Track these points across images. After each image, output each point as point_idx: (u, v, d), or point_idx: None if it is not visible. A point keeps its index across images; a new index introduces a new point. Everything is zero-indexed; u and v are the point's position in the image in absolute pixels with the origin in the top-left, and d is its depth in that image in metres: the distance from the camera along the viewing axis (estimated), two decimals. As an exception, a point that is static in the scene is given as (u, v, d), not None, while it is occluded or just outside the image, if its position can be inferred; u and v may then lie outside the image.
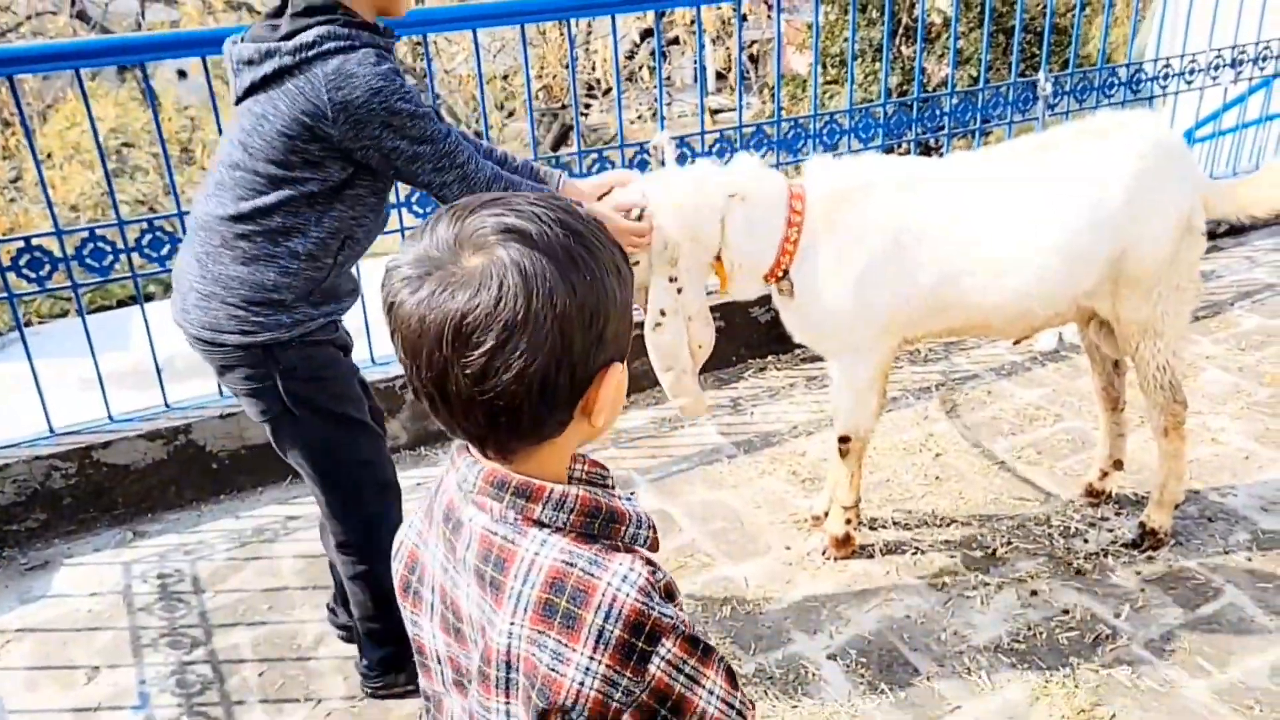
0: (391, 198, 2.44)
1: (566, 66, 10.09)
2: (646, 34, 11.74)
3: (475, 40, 3.11)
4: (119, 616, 2.57)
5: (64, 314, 7.08)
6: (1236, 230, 4.47)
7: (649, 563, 0.88)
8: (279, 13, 1.85)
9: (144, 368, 3.05)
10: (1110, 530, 2.66)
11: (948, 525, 2.72)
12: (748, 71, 14.48)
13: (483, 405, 0.84)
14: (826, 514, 2.68)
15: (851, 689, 2.19)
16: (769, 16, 12.20)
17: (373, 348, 3.23)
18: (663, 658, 0.85)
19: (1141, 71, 4.18)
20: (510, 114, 11.99)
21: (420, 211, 3.11)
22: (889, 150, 3.81)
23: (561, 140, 11.93)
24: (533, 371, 0.82)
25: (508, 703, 0.89)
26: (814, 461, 3.06)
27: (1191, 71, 4.28)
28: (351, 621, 2.28)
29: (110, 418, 2.96)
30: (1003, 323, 2.40)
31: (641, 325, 2.18)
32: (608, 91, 11.69)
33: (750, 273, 2.28)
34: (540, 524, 0.88)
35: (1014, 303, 2.31)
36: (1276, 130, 4.91)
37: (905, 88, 8.86)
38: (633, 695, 0.84)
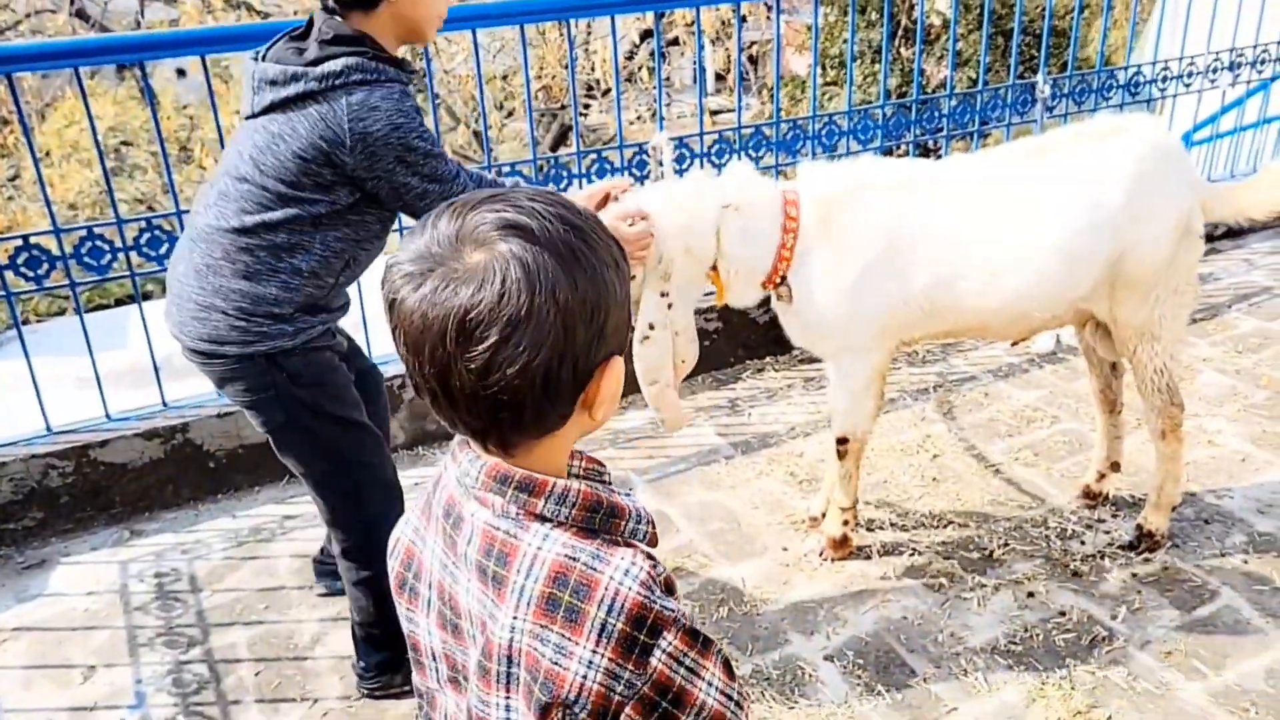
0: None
1: (566, 67, 10.10)
2: (646, 35, 11.74)
3: (475, 40, 3.11)
4: (115, 615, 2.56)
5: (62, 312, 7.08)
6: (1234, 233, 4.48)
7: (649, 557, 0.89)
8: (303, 35, 1.87)
9: (141, 366, 3.05)
10: (1107, 532, 2.66)
11: (945, 527, 2.72)
12: (747, 73, 14.48)
13: (486, 400, 0.84)
14: (824, 515, 2.68)
15: (848, 690, 2.19)
16: (768, 18, 12.21)
17: (370, 346, 3.23)
18: (664, 650, 0.85)
19: (1140, 74, 4.19)
20: (510, 114, 11.99)
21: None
22: (888, 152, 3.81)
23: (561, 140, 11.93)
24: (536, 366, 0.82)
25: (508, 697, 0.89)
26: (811, 462, 3.06)
27: (1189, 74, 4.29)
28: (331, 561, 2.39)
29: (108, 416, 2.96)
30: (999, 325, 2.40)
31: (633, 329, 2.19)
32: (607, 92, 11.69)
33: (747, 281, 2.28)
34: (542, 519, 0.89)
35: (1010, 305, 2.31)
36: (1274, 133, 4.92)
37: (904, 89, 8.87)
38: (635, 688, 0.85)
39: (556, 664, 0.84)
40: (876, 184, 2.28)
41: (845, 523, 2.58)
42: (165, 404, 3.02)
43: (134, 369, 3.26)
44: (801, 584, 2.53)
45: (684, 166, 3.40)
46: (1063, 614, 2.37)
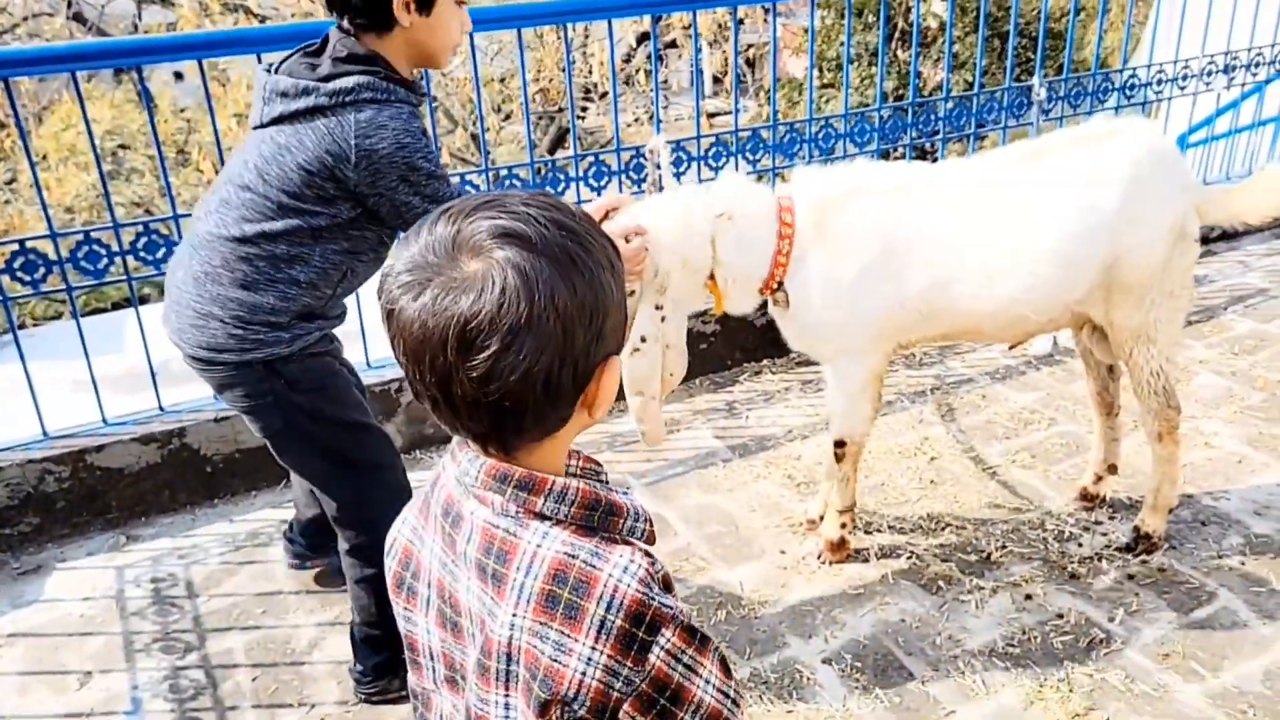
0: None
1: (563, 70, 10.10)
2: (643, 38, 11.75)
3: (472, 44, 3.12)
4: (112, 621, 2.56)
5: (58, 316, 7.07)
6: (1229, 235, 4.49)
7: (647, 554, 0.89)
8: (318, 52, 1.89)
9: (138, 371, 3.04)
10: (1104, 534, 2.66)
11: (942, 529, 2.72)
12: (744, 75, 14.50)
13: (487, 406, 0.85)
14: (821, 518, 2.68)
15: (846, 693, 2.19)
16: (765, 20, 12.23)
17: (368, 351, 3.23)
18: (662, 647, 0.86)
19: (1135, 77, 4.20)
20: (507, 117, 12.00)
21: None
22: (885, 155, 3.82)
23: (558, 143, 11.94)
24: (537, 371, 0.83)
25: (507, 695, 0.89)
26: (809, 465, 3.06)
27: (1185, 77, 4.30)
28: (303, 546, 2.54)
29: (104, 421, 2.95)
30: (996, 328, 2.41)
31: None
32: (604, 95, 11.70)
33: (745, 288, 2.29)
34: (542, 517, 0.89)
35: (1006, 308, 2.31)
36: (1269, 135, 4.93)
37: (901, 92, 8.88)
38: (633, 685, 0.85)
39: (556, 661, 0.85)
40: (871, 188, 2.28)
41: (843, 525, 2.58)
42: (162, 408, 3.01)
43: (130, 373, 3.26)
44: (799, 587, 2.53)
45: (681, 170, 3.40)
46: (1060, 616, 2.37)
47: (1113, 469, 2.76)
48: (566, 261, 0.84)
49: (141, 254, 2.82)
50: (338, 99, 1.80)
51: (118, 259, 2.80)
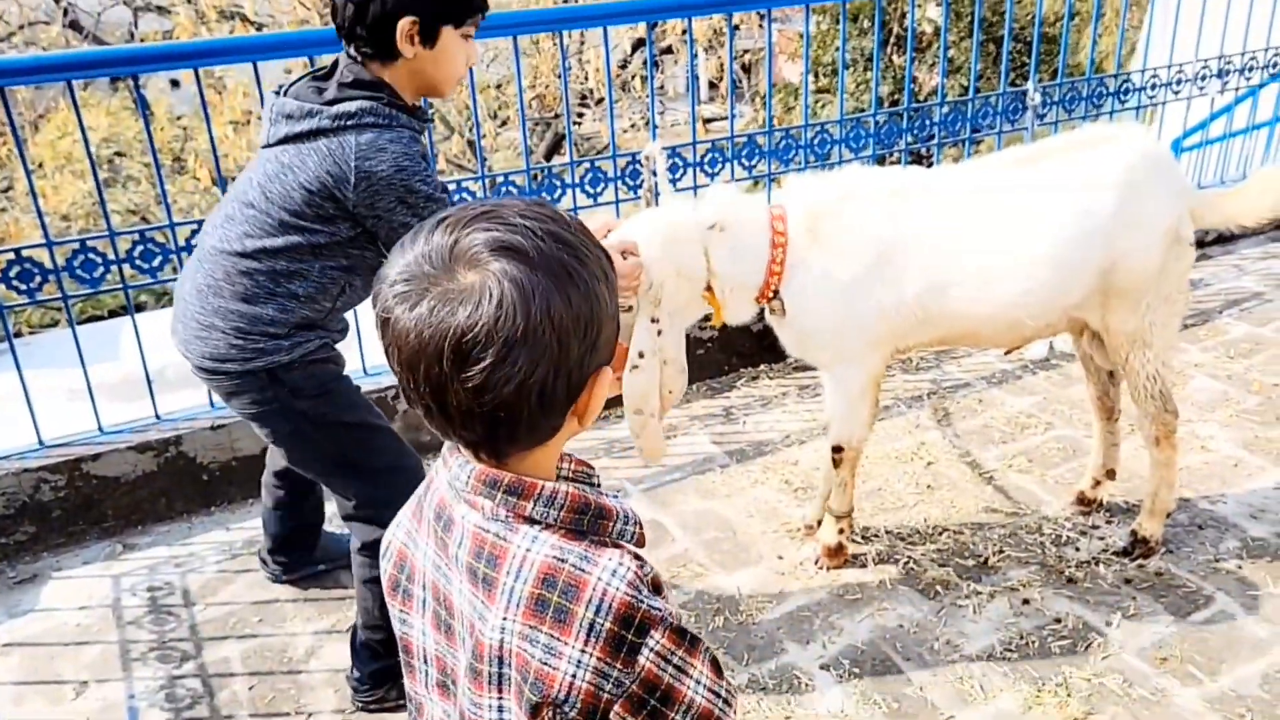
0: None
1: (559, 76, 10.11)
2: (639, 44, 11.78)
3: (467, 51, 3.12)
4: (108, 630, 2.55)
5: (54, 324, 7.06)
6: (1224, 239, 4.50)
7: (636, 557, 0.90)
8: (326, 76, 1.94)
9: (134, 379, 3.04)
10: (1101, 538, 2.66)
11: (940, 534, 2.72)
12: (740, 81, 14.53)
13: (482, 416, 0.86)
14: (819, 523, 2.68)
15: (844, 699, 2.19)
16: (760, 26, 12.25)
17: (364, 358, 3.23)
18: (652, 649, 0.87)
19: (1129, 82, 4.21)
20: (504, 123, 12.02)
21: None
22: (880, 160, 3.82)
23: (555, 149, 11.95)
24: (531, 383, 0.84)
25: (499, 698, 0.90)
26: (806, 471, 3.06)
27: (1179, 81, 4.31)
28: (280, 567, 2.62)
29: (100, 429, 2.95)
30: (993, 333, 2.41)
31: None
32: (600, 101, 11.71)
33: (742, 298, 2.29)
34: (531, 521, 0.90)
35: (1003, 313, 2.31)
36: (1263, 139, 4.94)
37: (896, 97, 8.90)
38: (623, 686, 0.86)
39: (546, 664, 0.86)
40: (865, 193, 2.29)
41: (841, 531, 2.58)
42: (158, 416, 3.01)
43: (127, 381, 3.25)
44: (797, 592, 2.53)
45: (678, 176, 3.41)
46: (1058, 620, 2.37)
47: (1111, 474, 2.77)
48: (563, 275, 0.85)
49: (137, 262, 2.82)
50: (340, 122, 1.84)
51: (114, 267, 2.80)
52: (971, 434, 3.21)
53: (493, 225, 0.86)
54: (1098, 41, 4.79)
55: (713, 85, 16.11)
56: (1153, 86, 4.26)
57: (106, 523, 2.92)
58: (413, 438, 3.24)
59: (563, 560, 0.88)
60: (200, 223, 2.85)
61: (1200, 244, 4.15)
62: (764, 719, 2.15)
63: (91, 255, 2.77)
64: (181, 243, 2.82)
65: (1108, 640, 2.30)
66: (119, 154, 10.04)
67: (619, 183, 3.34)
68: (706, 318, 2.38)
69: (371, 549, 2.13)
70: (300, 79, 1.97)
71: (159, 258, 2.83)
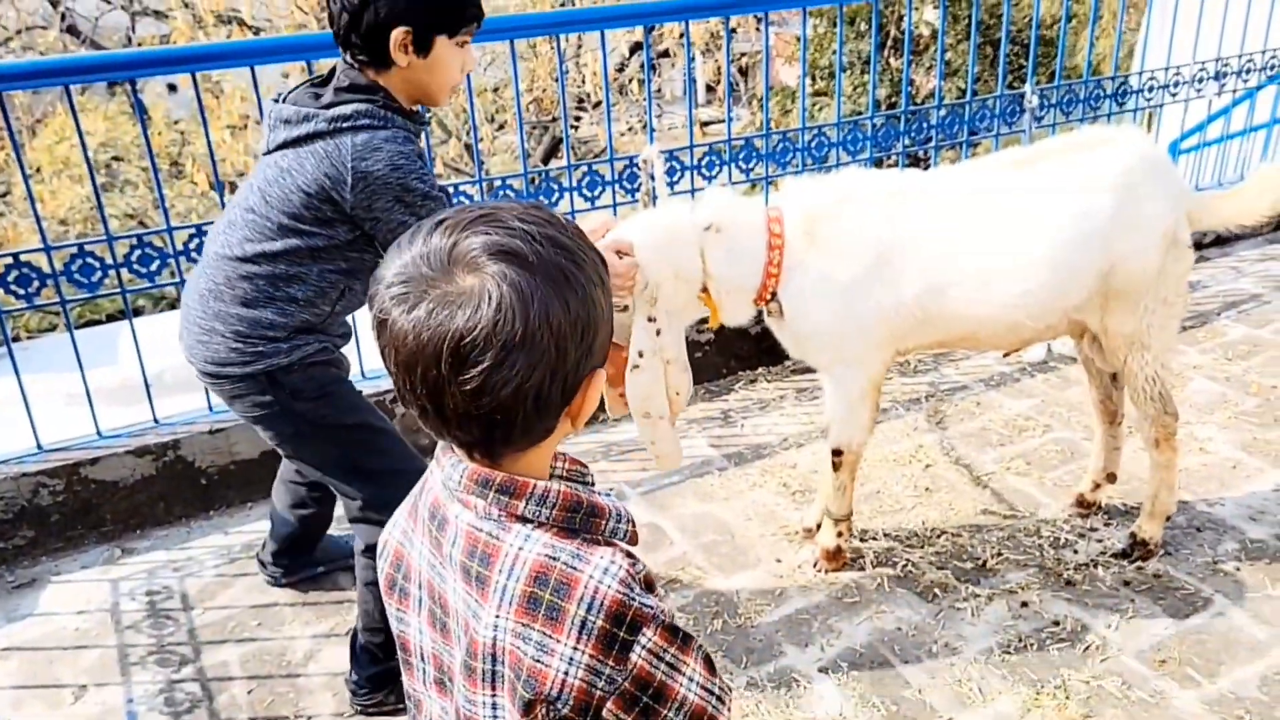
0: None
1: (557, 80, 10.12)
2: (636, 47, 11.79)
3: (465, 55, 3.12)
4: (106, 634, 2.55)
5: (52, 328, 7.06)
6: (1222, 240, 4.51)
7: (628, 555, 0.91)
8: (324, 82, 1.96)
9: (133, 383, 3.04)
10: (1100, 541, 2.66)
11: (938, 537, 2.72)
12: (737, 84, 14.54)
13: (478, 418, 0.86)
14: (818, 526, 2.68)
15: (843, 702, 2.19)
16: (757, 29, 12.27)
17: (363, 362, 3.23)
18: (644, 646, 0.88)
19: (1127, 84, 4.22)
20: (501, 127, 12.03)
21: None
22: (878, 163, 3.83)
23: (552, 153, 11.96)
24: (528, 386, 0.85)
25: (494, 695, 0.91)
26: (804, 474, 3.06)
27: (1176, 84, 4.32)
28: (280, 570, 2.62)
29: (98, 434, 2.95)
30: (993, 334, 2.41)
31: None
32: (598, 104, 11.73)
33: (738, 300, 2.29)
34: (524, 519, 0.91)
35: (1002, 314, 2.32)
36: (1260, 141, 4.95)
37: (893, 100, 8.92)
38: (615, 684, 0.87)
39: (538, 661, 0.87)
40: (863, 195, 2.29)
41: (839, 534, 2.58)
42: (156, 421, 3.01)
43: (125, 385, 3.25)
44: (795, 595, 2.53)
45: (675, 179, 3.41)
46: (1056, 623, 2.37)
47: (1112, 478, 2.76)
48: (561, 279, 0.86)
49: (135, 266, 2.82)
50: (336, 124, 1.86)
51: (111, 271, 2.80)
52: (969, 437, 3.21)
53: (491, 229, 0.86)
54: (1095, 44, 4.81)
55: (710, 88, 16.12)
56: (1150, 89, 4.27)
57: (105, 527, 2.92)
58: (411, 440, 3.24)
59: (555, 558, 0.88)
60: (198, 227, 2.86)
61: (1198, 246, 4.15)
62: (763, 722, 2.15)
63: (89, 260, 2.77)
64: (179, 247, 2.82)
65: (1106, 642, 2.30)
66: (116, 158, 10.03)
67: (616, 186, 3.35)
68: (704, 320, 2.38)
69: (371, 553, 2.14)
70: (298, 86, 1.99)
71: (156, 262, 2.83)
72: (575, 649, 0.86)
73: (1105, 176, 2.27)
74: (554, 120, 11.84)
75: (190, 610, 2.62)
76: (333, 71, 1.97)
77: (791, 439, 3.27)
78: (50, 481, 2.83)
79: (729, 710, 0.95)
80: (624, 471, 3.14)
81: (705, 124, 15.47)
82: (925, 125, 3.86)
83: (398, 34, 1.85)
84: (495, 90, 11.47)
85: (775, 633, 2.41)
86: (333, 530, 2.73)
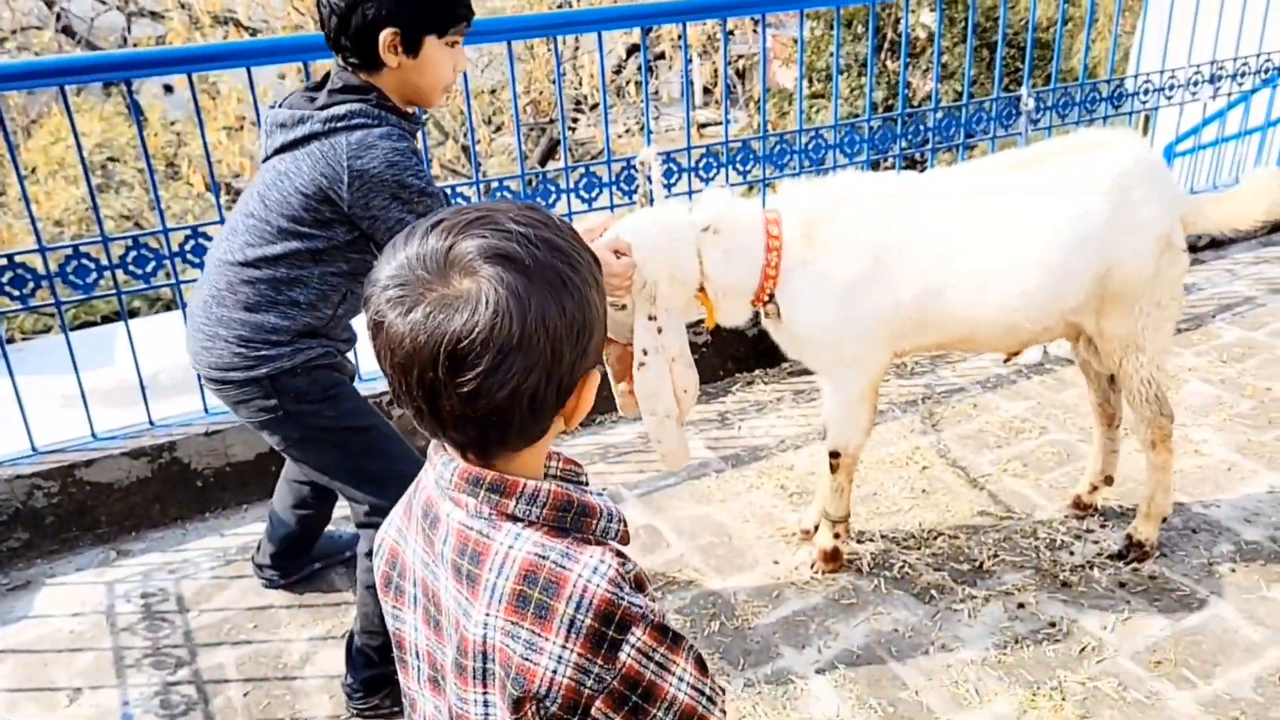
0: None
1: (554, 82, 10.13)
2: (633, 49, 11.80)
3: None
4: (102, 637, 2.54)
5: (47, 330, 7.04)
6: (1217, 243, 4.52)
7: (619, 555, 0.92)
8: (319, 86, 1.97)
9: (128, 385, 3.03)
10: (1096, 542, 2.67)
11: (935, 538, 2.72)
12: (734, 86, 14.56)
13: (474, 420, 0.87)
14: (815, 528, 2.68)
15: (840, 703, 2.19)
16: (755, 32, 12.29)
17: (360, 365, 3.22)
18: (633, 646, 0.88)
19: (1122, 87, 4.23)
20: (498, 128, 12.02)
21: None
22: (874, 165, 3.83)
23: (549, 155, 11.95)
24: (524, 389, 0.85)
25: (485, 693, 0.92)
26: (802, 475, 3.06)
27: (1171, 87, 4.33)
28: (275, 573, 2.62)
29: (93, 435, 2.94)
30: (991, 336, 2.41)
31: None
32: (595, 106, 11.73)
33: (735, 301, 2.30)
34: (514, 518, 0.92)
35: (999, 316, 2.32)
36: (1255, 144, 4.97)
37: (890, 102, 8.93)
38: (604, 683, 0.87)
39: (527, 659, 0.87)
40: (860, 197, 2.30)
41: (837, 535, 2.58)
42: (152, 422, 3.00)
43: (120, 387, 3.24)
44: (792, 597, 2.53)
45: (672, 181, 3.41)
46: (1053, 624, 2.38)
47: (1109, 480, 2.77)
48: (557, 282, 0.86)
49: (131, 268, 2.82)
50: (331, 125, 1.87)
51: (107, 273, 2.80)
52: (966, 439, 3.22)
53: (487, 231, 0.86)
54: (1091, 47, 4.82)
55: (707, 90, 16.13)
56: (1146, 92, 4.28)
57: (100, 529, 2.91)
58: (409, 441, 3.24)
59: (544, 557, 0.89)
60: (194, 228, 2.85)
61: (1193, 249, 4.17)
62: (760, 724, 2.15)
63: (85, 261, 2.76)
64: (174, 248, 2.82)
65: (1102, 643, 2.30)
66: (112, 159, 10.00)
67: (613, 188, 3.35)
68: (700, 321, 2.38)
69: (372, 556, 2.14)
70: (294, 91, 2.00)
71: (152, 263, 2.82)
72: (564, 647, 0.86)
73: (1101, 180, 2.27)
74: (551, 122, 11.84)
75: (186, 612, 2.62)
76: (328, 75, 1.98)
77: (789, 441, 3.27)
78: (45, 483, 2.82)
79: (721, 711, 0.95)
80: (621, 473, 3.14)
81: (702, 126, 15.48)
82: (922, 128, 3.86)
83: (386, 35, 1.86)
84: (492, 92, 11.46)
85: (772, 634, 2.41)
86: (331, 526, 2.73)
